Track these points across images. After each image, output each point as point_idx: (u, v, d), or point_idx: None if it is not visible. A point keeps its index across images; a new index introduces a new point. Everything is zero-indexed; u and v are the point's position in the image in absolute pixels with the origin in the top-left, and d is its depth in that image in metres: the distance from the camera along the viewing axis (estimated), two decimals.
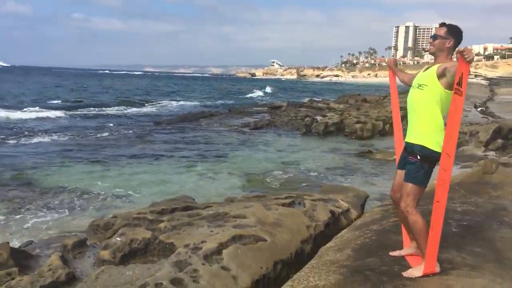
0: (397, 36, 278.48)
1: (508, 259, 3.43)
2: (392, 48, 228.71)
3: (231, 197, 7.07)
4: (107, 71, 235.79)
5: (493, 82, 74.00)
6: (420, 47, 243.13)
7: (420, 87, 3.36)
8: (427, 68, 3.46)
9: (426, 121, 3.31)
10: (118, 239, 4.62)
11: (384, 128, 18.86)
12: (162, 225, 4.96)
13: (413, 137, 3.38)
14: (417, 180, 3.29)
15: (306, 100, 38.54)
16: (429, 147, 3.25)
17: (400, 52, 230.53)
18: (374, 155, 13.69)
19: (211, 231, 4.68)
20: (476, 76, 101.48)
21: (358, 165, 12.43)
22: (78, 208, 8.50)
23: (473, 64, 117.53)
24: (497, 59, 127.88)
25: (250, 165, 12.46)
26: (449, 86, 3.19)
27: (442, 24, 3.46)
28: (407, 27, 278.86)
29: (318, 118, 21.33)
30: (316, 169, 11.91)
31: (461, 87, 2.93)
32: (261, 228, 4.82)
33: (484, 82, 74.09)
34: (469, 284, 2.97)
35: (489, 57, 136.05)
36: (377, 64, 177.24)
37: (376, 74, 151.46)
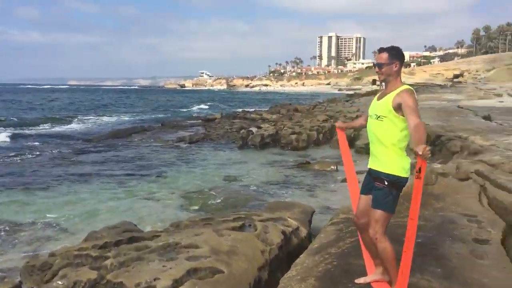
0: (321, 46, 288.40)
1: (471, 279, 3.46)
2: (317, 57, 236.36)
3: (177, 222, 6.79)
4: (30, 86, 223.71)
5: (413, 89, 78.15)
6: (343, 56, 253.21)
7: (379, 119, 3.33)
8: (381, 97, 3.42)
9: (389, 149, 3.28)
10: (60, 282, 4.22)
11: (318, 138, 19.21)
12: (108, 262, 4.60)
13: (378, 164, 3.34)
14: (386, 206, 3.25)
15: (239, 111, 38.65)
16: (396, 174, 3.23)
17: (324, 61, 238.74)
18: (312, 166, 13.84)
19: (164, 266, 4.40)
20: None
21: (298, 178, 12.50)
22: (5, 243, 7.77)
23: None
24: (414, 66, 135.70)
25: (190, 183, 12.14)
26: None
27: (382, 50, 3.43)
28: (330, 37, 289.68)
29: (254, 129, 21.37)
30: (257, 184, 11.82)
31: (420, 173, 2.92)
32: (216, 258, 4.60)
33: None
34: None
35: (407, 65, 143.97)
36: (303, 73, 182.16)
37: (304, 83, 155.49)
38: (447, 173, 7.38)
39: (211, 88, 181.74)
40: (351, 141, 18.24)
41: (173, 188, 11.53)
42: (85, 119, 36.60)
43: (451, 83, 79.30)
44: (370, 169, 3.44)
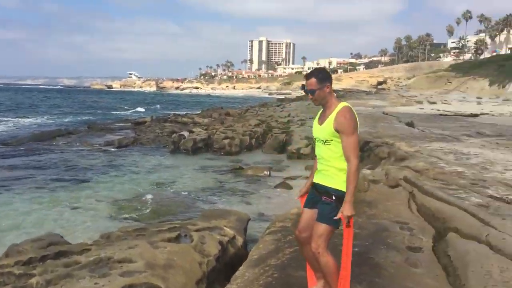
0: (251, 50, 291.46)
1: None
2: (248, 61, 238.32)
3: (107, 233, 6.46)
4: None
5: (339, 94, 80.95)
6: (273, 60, 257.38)
7: (326, 143, 3.33)
8: (322, 120, 3.39)
9: (338, 168, 3.29)
10: None
11: (250, 142, 19.28)
12: (33, 280, 4.26)
13: (326, 180, 3.35)
14: (331, 221, 3.25)
15: (170, 114, 37.99)
16: (343, 190, 3.24)
17: (255, 65, 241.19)
18: (246, 171, 13.83)
19: (96, 284, 4.15)
20: None
21: (231, 184, 12.43)
22: None
23: None
24: (341, 72, 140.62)
25: (119, 190, 11.70)
26: None
27: (309, 76, 3.40)
28: (260, 42, 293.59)
29: (185, 134, 21.04)
30: (190, 190, 11.61)
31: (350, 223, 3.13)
32: (152, 273, 4.41)
33: None
34: None
35: (334, 71, 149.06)
36: (234, 77, 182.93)
37: (234, 86, 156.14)
38: (378, 180, 7.63)
39: (140, 89, 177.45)
40: (283, 146, 18.51)
41: (102, 196, 11.05)
42: (3, 121, 34.26)
43: (375, 89, 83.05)
44: (316, 184, 3.44)
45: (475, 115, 29.83)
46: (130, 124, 28.96)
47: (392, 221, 5.35)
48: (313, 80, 3.35)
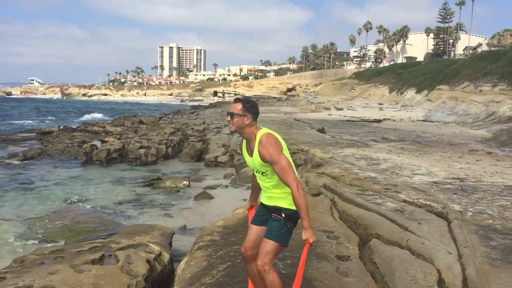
0: (162, 56, 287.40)
1: None
2: (159, 67, 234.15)
3: (21, 257, 5.98)
4: None
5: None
6: (184, 67, 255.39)
7: (264, 174, 3.37)
8: (250, 153, 3.40)
9: (283, 191, 3.33)
10: None
11: (167, 151, 18.95)
12: None
13: (273, 201, 3.38)
14: (280, 238, 3.28)
15: (80, 122, 36.20)
16: (293, 208, 3.28)
17: (166, 72, 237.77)
18: (164, 182, 13.53)
19: None
20: (235, 94, 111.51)
21: (150, 196, 12.11)
22: None
23: (232, 84, 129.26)
24: (252, 79, 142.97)
25: (28, 207, 10.91)
26: None
27: (237, 100, 3.43)
28: (171, 48, 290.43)
29: (98, 144, 20.19)
30: (107, 205, 11.13)
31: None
32: None
33: None
34: None
35: (245, 78, 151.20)
36: (145, 83, 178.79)
37: (145, 93, 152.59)
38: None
39: (43, 96, 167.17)
40: (200, 154, 18.41)
41: (8, 215, 10.21)
42: None
43: (285, 96, 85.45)
44: (265, 204, 3.46)
45: (379, 121, 31.79)
46: (35, 134, 27.10)
47: (319, 230, 5.51)
48: (239, 105, 3.36)
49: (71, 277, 4.63)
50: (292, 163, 3.35)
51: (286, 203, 3.32)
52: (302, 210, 3.17)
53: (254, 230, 3.49)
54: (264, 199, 3.49)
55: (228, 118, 3.38)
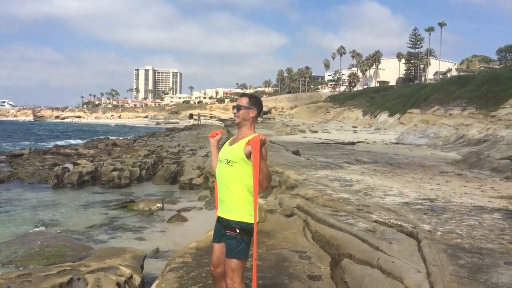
0: (137, 79, 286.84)
1: None
2: (134, 90, 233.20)
3: None
4: None
5: (227, 123, 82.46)
6: (160, 89, 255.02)
7: (229, 163, 3.40)
8: (233, 142, 3.52)
9: (239, 196, 3.35)
10: None
11: (141, 174, 18.76)
12: None
13: (228, 213, 3.38)
14: (240, 254, 3.30)
15: (50, 145, 35.54)
16: (246, 221, 3.30)
17: (141, 94, 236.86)
18: (137, 204, 13.34)
19: None
20: (211, 117, 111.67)
21: (122, 219, 11.91)
22: None
23: (208, 106, 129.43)
24: (228, 102, 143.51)
25: None
26: None
27: (244, 95, 3.62)
28: (147, 71, 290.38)
29: (69, 166, 19.84)
30: (78, 229, 10.89)
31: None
32: None
33: (219, 123, 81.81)
34: None
35: (221, 100, 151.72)
36: (120, 105, 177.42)
37: (120, 115, 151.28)
38: (273, 209, 7.86)
39: (14, 119, 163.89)
40: (175, 177, 18.28)
41: None
42: None
43: (261, 119, 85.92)
44: (220, 217, 3.46)
45: (353, 143, 32.21)
46: (4, 157, 26.45)
47: (291, 251, 5.53)
48: (245, 99, 3.57)
49: None
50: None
51: (239, 216, 3.34)
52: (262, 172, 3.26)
53: (217, 248, 3.51)
54: (220, 209, 3.49)
55: (235, 111, 3.55)
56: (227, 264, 3.32)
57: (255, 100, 3.58)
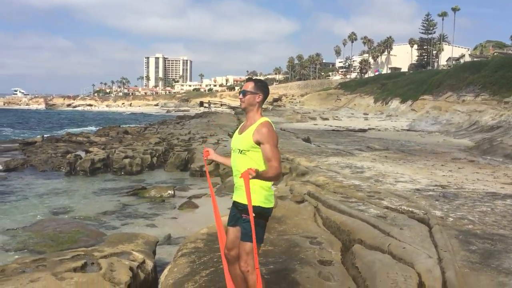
0: (148, 67, 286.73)
1: None
2: (144, 78, 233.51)
3: (2, 266, 5.90)
4: None
5: (237, 111, 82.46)
6: (170, 77, 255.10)
7: (242, 153, 3.40)
8: (242, 130, 3.51)
9: (254, 183, 3.35)
10: None
11: (152, 161, 18.86)
12: None
13: (244, 198, 3.38)
14: (256, 238, 3.31)
15: (63, 133, 35.86)
16: (261, 205, 3.32)
17: (152, 82, 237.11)
18: (149, 191, 13.46)
19: None
20: (222, 105, 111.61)
21: (134, 206, 12.02)
22: None
23: (219, 94, 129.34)
24: (238, 89, 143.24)
25: (10, 218, 10.77)
26: None
27: (249, 79, 3.59)
28: (157, 58, 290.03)
29: (82, 154, 20.02)
30: (90, 215, 11.02)
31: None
32: None
33: (229, 110, 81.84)
34: None
35: (231, 88, 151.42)
36: (130, 93, 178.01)
37: (131, 103, 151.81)
38: (284, 196, 7.88)
39: (26, 107, 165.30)
40: (185, 164, 18.37)
41: None
42: None
43: (272, 106, 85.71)
44: (235, 202, 3.48)
45: (364, 130, 32.08)
46: (17, 144, 26.77)
47: (302, 236, 5.55)
48: (250, 83, 3.52)
49: (52, 285, 4.59)
50: None
51: (254, 200, 3.34)
52: (265, 174, 3.25)
53: (231, 232, 3.53)
54: (235, 195, 3.51)
55: (240, 96, 3.51)
56: (241, 247, 3.35)
57: (260, 85, 3.54)
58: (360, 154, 15.47)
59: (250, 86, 3.51)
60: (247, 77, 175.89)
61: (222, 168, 15.74)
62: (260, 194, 3.36)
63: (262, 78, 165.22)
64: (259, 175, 3.21)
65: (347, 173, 10.71)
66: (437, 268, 4.25)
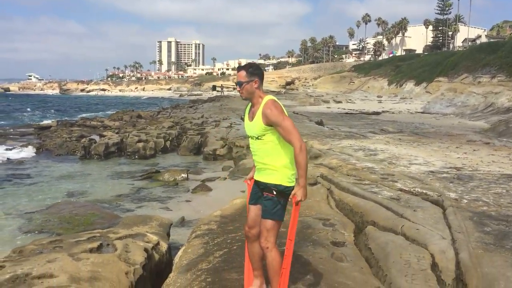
0: (160, 51, 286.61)
1: (337, 283, 3.73)
2: (157, 62, 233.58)
3: (20, 247, 6.02)
4: None
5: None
6: (183, 61, 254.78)
7: (259, 139, 3.39)
8: (251, 117, 3.46)
9: (274, 163, 3.36)
10: None
11: (165, 145, 18.97)
12: None
13: (265, 177, 3.40)
14: (276, 215, 3.34)
15: (77, 118, 36.17)
16: (283, 184, 3.33)
17: (164, 66, 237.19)
18: (162, 175, 13.56)
19: None
20: (234, 88, 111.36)
21: (148, 189, 12.14)
22: None
23: (231, 78, 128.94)
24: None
25: (27, 201, 10.97)
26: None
27: (240, 69, 3.49)
28: (169, 42, 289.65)
29: (96, 138, 20.21)
30: (106, 198, 11.16)
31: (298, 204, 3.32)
32: (77, 287, 4.20)
33: None
34: None
35: None
36: (143, 78, 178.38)
37: (144, 88, 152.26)
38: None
39: (41, 92, 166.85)
40: (199, 148, 18.44)
41: (7, 208, 10.28)
42: None
43: (284, 90, 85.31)
44: (256, 181, 3.49)
45: (378, 113, 31.80)
46: (33, 129, 27.10)
47: (315, 218, 5.56)
48: (242, 72, 3.44)
49: (69, 265, 4.67)
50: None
51: (276, 179, 3.36)
52: (301, 169, 3.26)
53: (252, 210, 3.55)
54: (257, 175, 3.52)
55: (238, 88, 3.47)
56: (262, 224, 3.38)
57: (252, 69, 3.45)
58: (373, 137, 15.37)
59: (243, 75, 3.42)
60: (259, 60, 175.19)
61: (235, 151, 15.78)
62: (283, 174, 3.37)
63: (274, 61, 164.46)
64: (302, 184, 3.28)
65: (360, 156, 10.65)
66: (451, 249, 4.23)
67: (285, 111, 3.41)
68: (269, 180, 3.38)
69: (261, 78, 3.48)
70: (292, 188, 3.38)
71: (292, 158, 3.38)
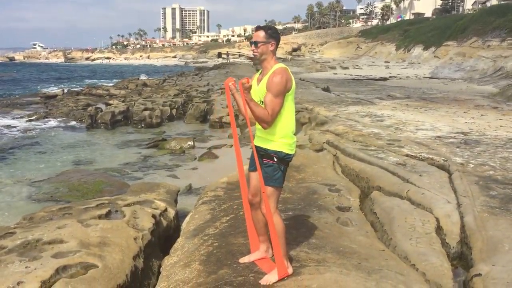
0: (164, 18, 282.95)
1: (342, 247, 3.77)
2: (161, 29, 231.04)
3: (30, 214, 6.13)
4: None
5: (256, 62, 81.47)
6: (188, 28, 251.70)
7: (262, 104, 3.36)
8: (259, 80, 3.44)
9: (276, 131, 3.35)
10: None
11: (171, 113, 18.97)
12: None
13: (265, 143, 3.39)
14: (277, 182, 3.35)
15: (83, 86, 36.12)
16: (283, 151, 3.33)
17: (169, 34, 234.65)
18: (169, 143, 13.59)
19: (27, 267, 3.95)
20: (240, 55, 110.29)
21: (155, 157, 12.20)
22: None
23: (237, 45, 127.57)
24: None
25: (36, 169, 11.08)
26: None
27: (258, 28, 3.44)
28: (173, 9, 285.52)
29: (102, 106, 20.21)
30: (113, 167, 11.24)
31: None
32: (87, 252, 4.29)
33: (247, 61, 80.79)
34: (322, 281, 3.15)
35: (249, 38, 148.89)
36: (148, 46, 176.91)
37: (149, 56, 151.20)
38: (303, 144, 7.88)
39: (46, 61, 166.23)
40: (205, 116, 18.43)
41: (17, 176, 10.42)
42: None
43: (291, 56, 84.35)
44: (256, 146, 3.48)
45: (385, 79, 31.49)
46: (39, 98, 27.13)
47: (321, 184, 5.59)
48: (261, 32, 3.38)
49: (78, 231, 4.76)
50: (293, 109, 3.43)
51: (276, 146, 3.36)
52: (254, 106, 3.26)
53: (253, 177, 3.54)
54: (256, 140, 3.50)
55: (252, 47, 3.40)
56: (263, 191, 3.39)
57: (271, 32, 3.40)
58: (380, 103, 15.27)
59: (261, 35, 3.36)
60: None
61: (241, 119, 15.75)
62: (283, 141, 3.36)
63: (280, 27, 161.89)
64: (249, 99, 3.22)
65: (367, 122, 10.62)
66: (456, 213, 4.26)
67: (293, 82, 3.37)
68: (269, 146, 3.37)
69: (278, 42, 3.43)
70: (292, 155, 3.39)
71: (293, 127, 3.39)
